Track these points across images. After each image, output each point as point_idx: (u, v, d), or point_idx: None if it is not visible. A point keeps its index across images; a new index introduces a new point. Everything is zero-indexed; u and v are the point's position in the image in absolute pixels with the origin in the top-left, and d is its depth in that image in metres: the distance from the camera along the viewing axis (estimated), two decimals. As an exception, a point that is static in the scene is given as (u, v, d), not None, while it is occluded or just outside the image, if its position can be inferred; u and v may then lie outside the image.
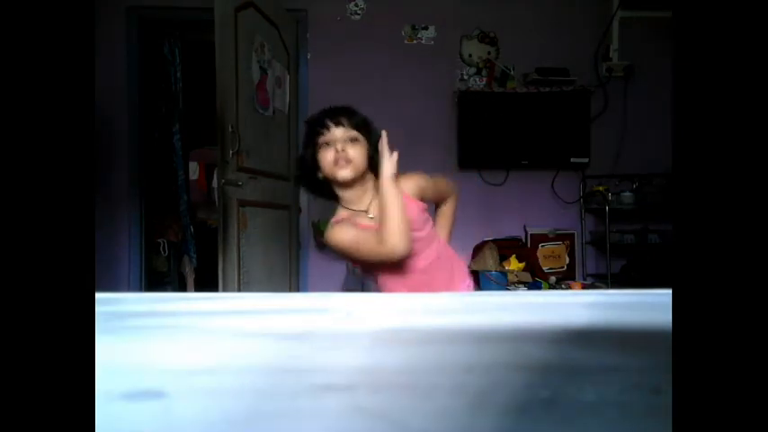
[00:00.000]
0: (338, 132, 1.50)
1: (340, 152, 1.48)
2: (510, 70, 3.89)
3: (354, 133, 1.51)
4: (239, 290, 2.86)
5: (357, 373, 0.40)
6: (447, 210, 1.74)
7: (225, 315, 0.77)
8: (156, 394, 0.33)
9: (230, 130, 2.80)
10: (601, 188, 3.74)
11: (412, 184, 1.56)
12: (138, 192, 3.76)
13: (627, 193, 3.74)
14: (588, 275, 3.91)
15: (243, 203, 2.92)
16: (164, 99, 4.10)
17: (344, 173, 1.49)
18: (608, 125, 3.87)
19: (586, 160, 3.79)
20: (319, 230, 3.65)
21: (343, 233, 1.50)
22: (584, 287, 3.50)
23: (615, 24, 3.91)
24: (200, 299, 1.03)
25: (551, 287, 3.53)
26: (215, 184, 3.57)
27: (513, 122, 3.76)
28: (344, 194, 1.56)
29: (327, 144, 1.50)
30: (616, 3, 3.90)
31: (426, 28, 3.89)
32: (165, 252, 4.02)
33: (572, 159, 3.79)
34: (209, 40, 2.79)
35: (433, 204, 1.73)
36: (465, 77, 3.90)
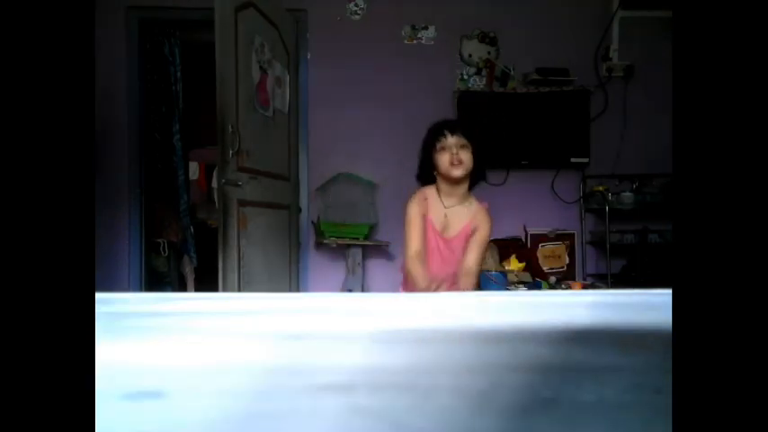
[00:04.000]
0: (453, 140, 1.89)
1: (454, 155, 1.86)
2: (510, 70, 3.89)
3: (465, 141, 1.91)
4: (239, 290, 2.86)
5: (357, 373, 0.40)
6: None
7: (225, 315, 0.77)
8: (155, 394, 0.33)
9: (230, 130, 2.80)
10: (601, 188, 3.73)
11: (486, 224, 1.94)
12: (138, 192, 3.75)
13: (627, 193, 3.74)
14: (588, 275, 3.91)
15: (243, 203, 2.92)
16: (164, 99, 4.10)
17: (458, 172, 1.89)
18: (608, 125, 3.86)
19: (586, 160, 3.78)
20: (319, 230, 3.65)
21: (414, 204, 1.93)
22: (584, 287, 3.49)
23: (615, 24, 3.91)
24: (200, 299, 1.03)
25: (551, 287, 3.52)
26: (215, 184, 3.57)
27: (513, 122, 3.76)
28: (443, 187, 1.96)
29: (444, 149, 1.89)
30: (616, 3, 3.89)
31: (426, 28, 3.89)
32: (165, 252, 4.02)
33: (572, 159, 3.79)
34: (210, 40, 2.79)
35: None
36: (465, 77, 3.89)
